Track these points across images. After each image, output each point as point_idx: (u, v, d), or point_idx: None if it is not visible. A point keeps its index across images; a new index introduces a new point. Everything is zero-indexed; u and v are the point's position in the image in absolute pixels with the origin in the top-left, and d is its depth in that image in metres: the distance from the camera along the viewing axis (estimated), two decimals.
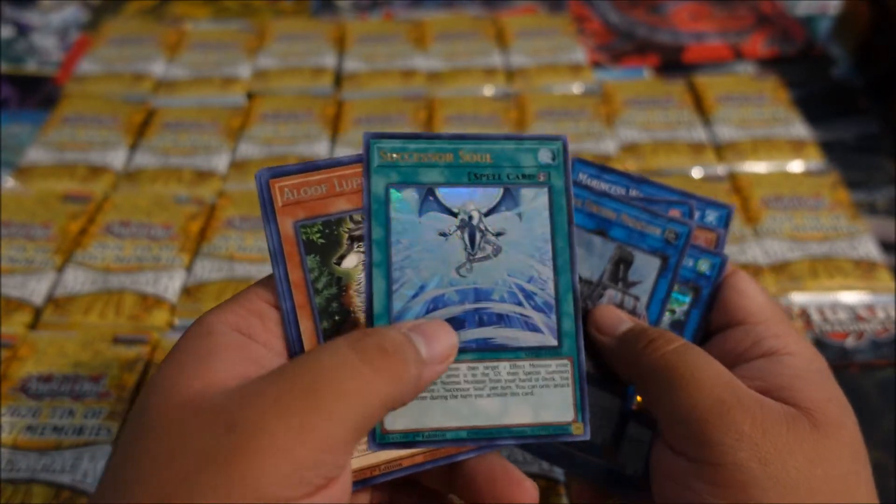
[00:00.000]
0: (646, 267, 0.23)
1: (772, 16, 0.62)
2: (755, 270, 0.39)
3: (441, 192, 0.20)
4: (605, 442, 0.23)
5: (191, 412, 0.16)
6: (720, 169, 0.47)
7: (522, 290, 0.20)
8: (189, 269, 0.40)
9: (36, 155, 0.48)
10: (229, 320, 0.19)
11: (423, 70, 0.55)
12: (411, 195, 0.20)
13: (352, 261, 0.20)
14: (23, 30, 0.63)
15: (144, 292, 0.38)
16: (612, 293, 0.23)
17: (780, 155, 0.47)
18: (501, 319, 0.20)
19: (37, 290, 0.39)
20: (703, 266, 0.23)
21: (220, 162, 0.47)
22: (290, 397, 0.16)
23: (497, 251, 0.20)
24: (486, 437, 0.20)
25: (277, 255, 0.20)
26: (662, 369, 0.20)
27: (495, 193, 0.20)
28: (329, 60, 0.56)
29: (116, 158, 0.48)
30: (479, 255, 0.20)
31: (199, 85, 0.54)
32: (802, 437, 0.19)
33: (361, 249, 0.20)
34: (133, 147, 0.49)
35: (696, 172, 0.46)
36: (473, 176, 0.20)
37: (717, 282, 0.24)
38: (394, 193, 0.20)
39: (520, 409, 0.20)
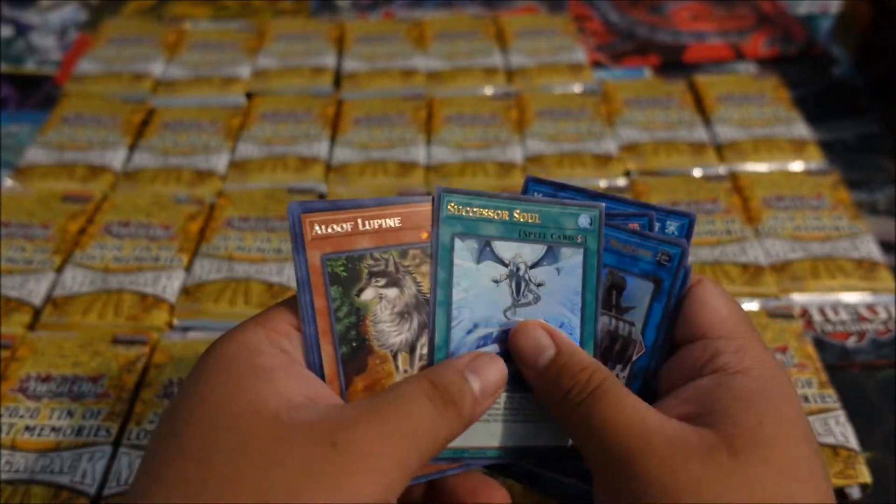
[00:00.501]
0: (639, 291, 0.23)
1: (772, 15, 0.62)
2: (756, 270, 0.39)
3: (496, 244, 0.23)
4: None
5: (286, 427, 0.18)
6: (721, 169, 0.47)
7: None
8: (188, 269, 0.40)
9: (35, 155, 0.48)
10: (271, 339, 0.20)
11: (423, 70, 0.55)
12: (472, 245, 0.23)
13: (369, 294, 0.22)
14: (22, 29, 0.63)
15: (144, 292, 0.38)
16: (605, 320, 0.24)
17: (780, 155, 0.47)
18: None
19: (36, 290, 0.38)
20: (662, 257, 0.23)
21: (220, 162, 0.47)
22: (384, 428, 0.18)
23: (537, 299, 0.23)
24: (515, 457, 0.23)
25: (305, 284, 0.21)
26: (580, 420, 0.20)
27: (540, 249, 0.23)
28: (329, 60, 0.56)
29: (116, 158, 0.48)
30: (523, 301, 0.23)
31: (199, 85, 0.54)
32: (717, 468, 0.19)
33: (379, 284, 0.22)
34: (132, 147, 0.49)
35: (697, 172, 0.46)
36: (523, 233, 0.23)
37: (681, 292, 0.23)
38: (457, 242, 0.23)
39: (545, 433, 0.23)
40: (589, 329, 0.23)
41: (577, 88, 0.53)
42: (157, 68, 0.55)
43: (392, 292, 0.22)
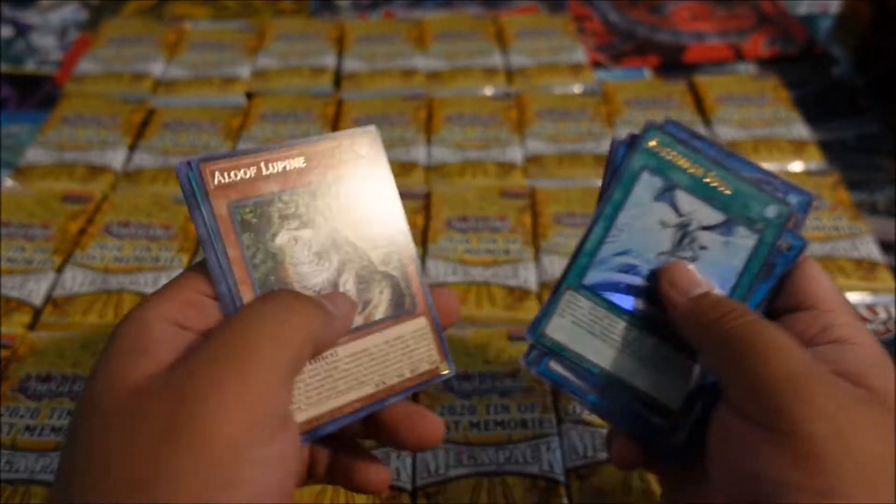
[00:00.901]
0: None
1: (772, 15, 0.62)
2: None
3: (678, 193, 0.24)
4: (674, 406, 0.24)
5: (144, 395, 0.18)
6: None
7: None
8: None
9: (35, 155, 0.48)
10: (164, 314, 0.20)
11: (423, 70, 0.55)
12: (656, 183, 0.24)
13: (283, 237, 0.22)
14: (22, 29, 0.63)
15: (144, 293, 0.38)
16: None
17: (780, 155, 0.47)
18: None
19: (36, 290, 0.38)
20: (783, 244, 0.24)
21: None
22: (225, 354, 0.18)
23: (694, 259, 0.24)
24: (615, 391, 0.24)
25: (215, 235, 0.21)
26: (736, 340, 0.21)
27: (718, 217, 0.24)
28: (329, 60, 0.56)
29: (116, 158, 0.48)
30: (680, 253, 0.24)
31: (199, 85, 0.54)
32: (876, 419, 0.19)
33: (292, 226, 0.22)
34: (132, 147, 0.49)
35: None
36: (709, 196, 0.24)
37: (791, 265, 0.24)
38: (645, 175, 0.24)
39: (660, 386, 0.24)
40: None
41: (577, 89, 0.53)
42: (157, 68, 0.55)
43: (306, 233, 0.22)
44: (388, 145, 0.48)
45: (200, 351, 0.19)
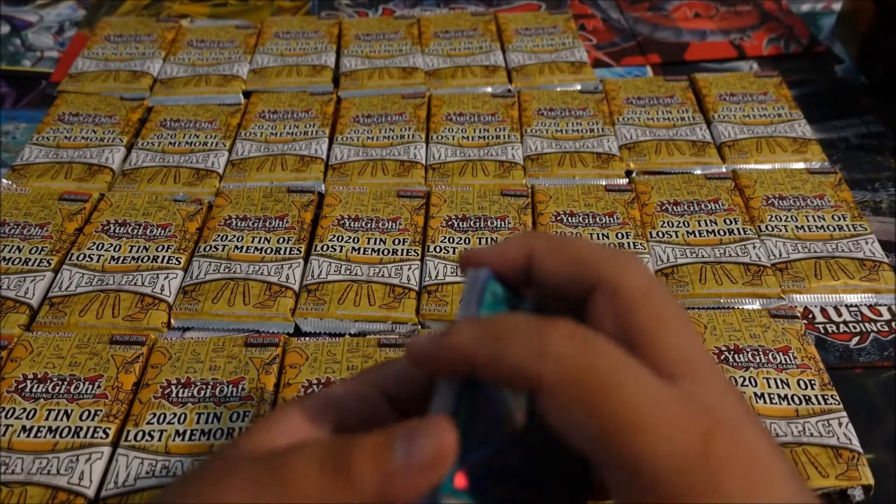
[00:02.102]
0: None
1: (775, 13, 0.62)
2: (758, 270, 0.39)
3: None
4: None
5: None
6: (723, 168, 0.46)
7: None
8: (186, 268, 0.40)
9: (32, 154, 0.47)
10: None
11: (423, 68, 0.54)
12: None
13: None
14: (18, 27, 0.62)
15: (142, 292, 0.38)
16: None
17: (783, 154, 0.47)
18: None
19: (32, 290, 0.38)
20: None
21: (218, 160, 0.47)
22: (245, 480, 0.17)
23: None
24: None
25: None
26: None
27: None
28: (328, 58, 0.55)
29: (113, 157, 0.47)
30: None
31: (197, 83, 0.53)
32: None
33: None
34: (130, 146, 0.49)
35: (699, 171, 0.46)
36: None
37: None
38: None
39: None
40: None
41: (577, 87, 0.53)
42: (154, 66, 0.55)
43: None
44: (388, 144, 0.47)
45: (241, 465, 0.17)
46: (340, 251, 0.40)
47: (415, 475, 0.16)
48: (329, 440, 0.18)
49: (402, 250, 0.40)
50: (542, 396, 0.17)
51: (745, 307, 0.37)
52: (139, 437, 0.32)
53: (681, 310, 0.19)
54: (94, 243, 0.41)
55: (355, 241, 0.40)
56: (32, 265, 0.39)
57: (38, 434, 0.32)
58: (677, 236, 0.41)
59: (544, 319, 0.18)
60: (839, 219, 0.42)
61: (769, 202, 0.43)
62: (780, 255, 0.40)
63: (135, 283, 0.38)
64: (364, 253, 0.40)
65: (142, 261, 0.40)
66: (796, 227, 0.41)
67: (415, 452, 0.16)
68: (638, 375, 0.17)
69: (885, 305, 0.38)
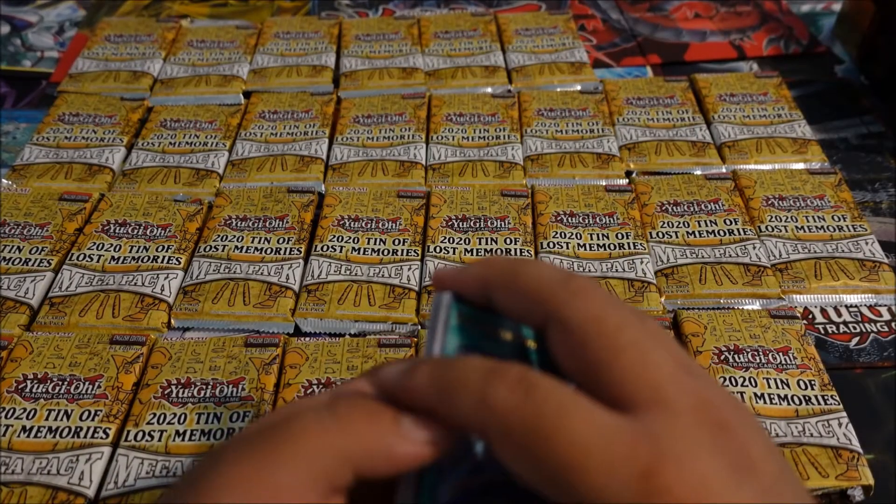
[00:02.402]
0: None
1: (775, 14, 0.62)
2: (758, 271, 0.39)
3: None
4: None
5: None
6: (723, 168, 0.46)
7: None
8: (187, 269, 0.40)
9: (32, 154, 0.47)
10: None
11: (423, 68, 0.54)
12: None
13: None
14: (18, 27, 0.62)
15: (142, 292, 0.38)
16: None
17: (783, 154, 0.47)
18: None
19: (32, 290, 0.38)
20: None
21: (218, 161, 0.47)
22: (251, 440, 0.17)
23: None
24: None
25: None
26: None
27: None
28: (328, 58, 0.56)
29: (113, 157, 0.47)
30: None
31: (197, 83, 0.53)
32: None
33: None
34: (130, 146, 0.49)
35: (699, 172, 0.46)
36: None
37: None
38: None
39: None
40: None
41: (577, 87, 0.53)
42: (154, 66, 0.55)
43: None
44: (388, 144, 0.47)
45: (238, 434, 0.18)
46: (340, 251, 0.40)
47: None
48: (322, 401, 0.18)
49: (402, 250, 0.40)
50: (490, 445, 0.17)
51: (745, 307, 0.37)
52: (139, 438, 0.32)
53: (643, 332, 0.18)
54: (95, 243, 0.41)
55: (355, 241, 0.40)
56: (32, 265, 0.39)
57: (39, 434, 0.32)
58: (677, 237, 0.41)
59: (493, 367, 0.18)
60: (839, 219, 0.42)
61: (769, 202, 0.43)
62: (780, 255, 0.40)
63: (135, 284, 0.38)
64: (364, 253, 0.40)
65: (142, 261, 0.40)
66: (796, 227, 0.41)
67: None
68: (583, 415, 0.16)
69: (885, 306, 0.38)
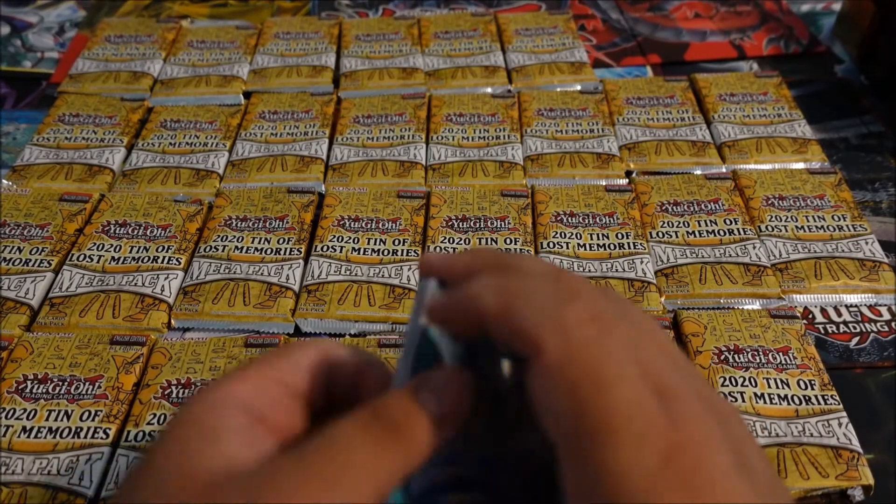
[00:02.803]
0: None
1: (775, 14, 0.62)
2: (758, 271, 0.39)
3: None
4: None
5: (219, 493, 0.17)
6: (723, 168, 0.46)
7: None
8: (187, 269, 0.40)
9: (32, 154, 0.47)
10: (238, 398, 0.19)
11: (423, 68, 0.54)
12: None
13: None
14: (18, 28, 0.62)
15: (142, 293, 0.38)
16: None
17: (783, 154, 0.47)
18: None
19: (33, 290, 0.38)
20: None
21: (219, 161, 0.47)
22: (306, 475, 0.17)
23: None
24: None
25: None
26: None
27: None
28: (328, 59, 0.56)
29: (113, 158, 0.47)
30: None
31: (197, 83, 0.53)
32: None
33: None
34: (130, 146, 0.49)
35: (699, 172, 0.46)
36: None
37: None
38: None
39: None
40: None
41: (577, 87, 0.53)
42: (155, 67, 0.55)
43: None
44: (388, 144, 0.47)
45: (282, 461, 0.17)
46: (340, 251, 0.40)
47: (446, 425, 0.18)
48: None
49: (402, 251, 0.40)
50: (536, 365, 0.17)
51: (745, 307, 0.37)
52: (139, 438, 0.32)
53: (629, 349, 0.17)
54: (95, 244, 0.41)
55: (355, 241, 0.40)
56: (33, 266, 0.39)
57: (39, 434, 0.32)
58: (677, 236, 0.41)
59: (564, 291, 0.18)
60: (839, 219, 0.42)
61: (769, 202, 0.43)
62: (780, 255, 0.40)
63: (135, 284, 0.38)
64: (364, 253, 0.40)
65: (142, 261, 0.40)
66: (796, 227, 0.41)
67: (445, 401, 0.18)
68: (637, 383, 0.17)
69: (885, 305, 0.38)
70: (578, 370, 0.17)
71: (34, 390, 0.33)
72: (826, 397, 0.33)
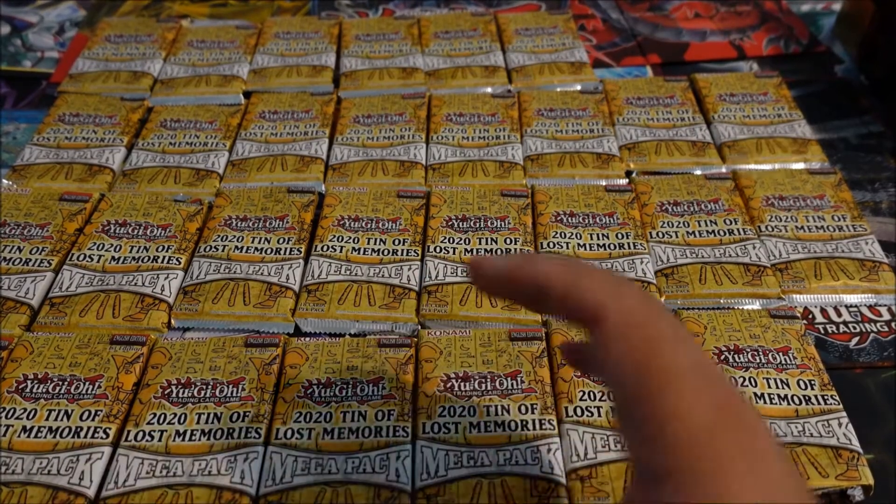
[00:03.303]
0: None
1: (775, 14, 0.62)
2: (758, 271, 0.39)
3: None
4: None
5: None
6: (723, 168, 0.46)
7: None
8: (187, 269, 0.40)
9: (32, 154, 0.47)
10: None
11: (423, 68, 0.54)
12: None
13: None
14: (18, 28, 0.62)
15: (142, 293, 0.38)
16: None
17: (783, 154, 0.47)
18: None
19: (33, 290, 0.38)
20: None
21: (219, 161, 0.47)
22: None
23: None
24: None
25: None
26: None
27: None
28: (328, 58, 0.56)
29: (113, 157, 0.47)
30: None
31: (197, 83, 0.53)
32: None
33: None
34: (130, 146, 0.49)
35: (699, 172, 0.46)
36: None
37: None
38: None
39: None
40: None
41: (577, 87, 0.53)
42: (155, 67, 0.55)
43: None
44: (388, 144, 0.48)
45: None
46: (340, 251, 0.40)
47: None
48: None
49: (402, 250, 0.40)
50: (603, 326, 0.20)
51: (745, 307, 0.37)
52: (139, 438, 0.32)
53: (674, 325, 0.21)
54: (95, 243, 0.41)
55: (355, 241, 0.41)
56: (33, 265, 0.39)
57: (39, 434, 0.32)
58: (677, 236, 0.41)
59: (616, 277, 0.22)
60: (839, 219, 0.42)
61: (769, 202, 0.43)
62: (780, 255, 0.40)
63: (135, 284, 0.38)
64: (364, 253, 0.40)
65: (142, 261, 0.40)
66: (796, 227, 0.41)
67: None
68: (691, 343, 0.21)
69: (885, 306, 0.38)
70: (641, 332, 0.20)
71: (34, 390, 0.33)
72: (826, 397, 0.33)
